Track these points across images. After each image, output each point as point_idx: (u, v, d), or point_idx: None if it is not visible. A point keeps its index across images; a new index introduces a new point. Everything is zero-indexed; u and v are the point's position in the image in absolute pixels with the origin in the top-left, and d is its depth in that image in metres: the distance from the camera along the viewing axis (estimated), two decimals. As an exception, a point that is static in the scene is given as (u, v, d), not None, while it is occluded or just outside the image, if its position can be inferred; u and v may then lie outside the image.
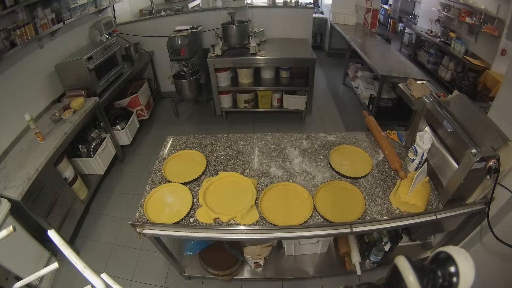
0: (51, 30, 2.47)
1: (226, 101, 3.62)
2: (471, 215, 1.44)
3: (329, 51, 5.71)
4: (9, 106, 2.15)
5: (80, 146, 2.56)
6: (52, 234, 0.73)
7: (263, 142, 1.81)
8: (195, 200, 1.42)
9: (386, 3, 7.61)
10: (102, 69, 2.74)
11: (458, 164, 1.27)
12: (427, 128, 1.53)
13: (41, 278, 1.91)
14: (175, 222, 1.32)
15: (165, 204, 1.42)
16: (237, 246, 1.83)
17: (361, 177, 1.52)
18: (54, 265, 0.81)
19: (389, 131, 1.85)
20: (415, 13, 6.01)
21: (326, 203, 1.38)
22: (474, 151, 1.10)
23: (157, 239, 1.48)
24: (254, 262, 1.82)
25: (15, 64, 2.22)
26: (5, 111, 2.11)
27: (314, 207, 1.35)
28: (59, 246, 0.71)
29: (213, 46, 3.27)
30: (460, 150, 1.21)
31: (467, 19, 4.15)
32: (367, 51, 3.51)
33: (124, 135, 3.05)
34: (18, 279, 1.71)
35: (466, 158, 1.14)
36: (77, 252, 2.22)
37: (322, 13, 5.96)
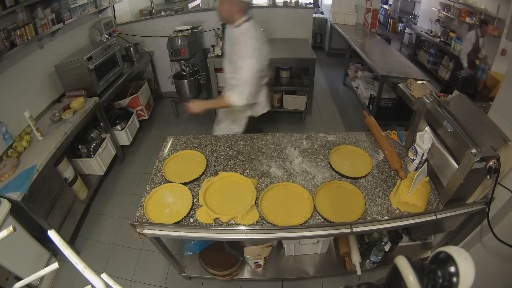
0: (51, 30, 2.47)
1: (226, 101, 3.61)
2: (471, 215, 1.44)
3: (329, 51, 5.71)
4: (9, 106, 2.15)
5: (80, 146, 2.56)
6: (52, 234, 0.73)
7: (263, 142, 1.81)
8: (195, 200, 1.42)
9: (386, 3, 7.61)
10: (102, 69, 2.74)
11: (458, 164, 1.27)
12: (427, 128, 1.53)
13: (41, 278, 1.91)
14: (175, 222, 1.32)
15: (165, 204, 1.42)
16: (237, 246, 1.83)
17: (361, 177, 1.52)
18: (54, 265, 0.81)
19: (389, 131, 1.85)
20: (415, 13, 6.00)
21: (326, 203, 1.38)
22: (474, 151, 1.11)
23: (157, 239, 1.48)
24: (254, 262, 1.82)
25: (15, 64, 2.22)
26: (5, 111, 2.10)
27: (314, 207, 1.35)
28: (59, 246, 0.71)
29: (213, 46, 3.27)
30: (460, 150, 1.21)
31: (467, 19, 4.14)
32: (367, 51, 3.52)
33: (124, 135, 3.05)
34: (18, 279, 1.71)
35: (466, 158, 1.14)
36: (77, 252, 2.22)
37: (322, 13, 5.96)
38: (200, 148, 1.79)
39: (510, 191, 1.25)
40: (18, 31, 2.09)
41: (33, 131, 2.13)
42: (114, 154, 2.90)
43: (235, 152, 1.74)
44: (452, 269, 0.52)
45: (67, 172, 2.28)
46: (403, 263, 0.53)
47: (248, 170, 1.60)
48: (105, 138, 2.75)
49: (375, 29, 4.55)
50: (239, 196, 1.42)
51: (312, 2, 4.71)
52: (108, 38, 3.18)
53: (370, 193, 1.43)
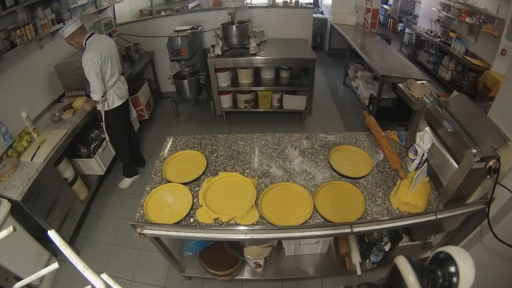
0: (51, 31, 2.47)
1: (226, 101, 3.62)
2: (471, 215, 1.44)
3: (329, 51, 5.71)
4: (9, 107, 2.15)
5: (80, 147, 2.56)
6: (52, 234, 0.73)
7: (263, 142, 1.81)
8: (195, 200, 1.42)
9: (386, 3, 7.61)
10: (102, 69, 2.74)
11: (458, 164, 1.27)
12: (427, 128, 1.53)
13: (41, 278, 1.91)
14: (175, 222, 1.32)
15: (165, 204, 1.42)
16: (237, 246, 1.83)
17: (361, 177, 1.52)
18: (54, 265, 0.81)
19: (389, 131, 1.85)
20: (415, 13, 6.00)
21: (326, 203, 1.38)
22: (474, 151, 1.11)
23: (157, 239, 1.48)
24: (254, 262, 1.82)
25: (15, 64, 2.22)
26: (5, 112, 2.10)
27: (314, 207, 1.35)
28: (59, 246, 0.71)
29: (213, 46, 3.27)
30: (460, 150, 1.21)
31: (467, 19, 4.14)
32: (367, 51, 3.52)
33: (124, 135, 3.04)
34: (18, 279, 1.71)
35: (466, 158, 1.14)
36: (77, 252, 2.22)
37: (322, 13, 5.96)
38: (200, 148, 1.79)
39: (510, 191, 1.25)
40: (18, 31, 2.09)
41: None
42: (114, 154, 2.90)
43: (235, 152, 1.74)
44: (452, 269, 0.52)
45: (67, 172, 2.28)
46: (403, 263, 0.53)
47: (248, 170, 1.60)
48: (105, 138, 2.74)
49: (375, 29, 4.55)
50: (239, 196, 1.42)
51: (312, 2, 4.70)
52: (108, 38, 3.18)
53: (370, 193, 1.43)
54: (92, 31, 2.21)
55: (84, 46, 2.13)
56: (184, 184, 1.51)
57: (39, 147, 2.05)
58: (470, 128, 1.23)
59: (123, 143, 2.61)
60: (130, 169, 2.76)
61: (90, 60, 2.05)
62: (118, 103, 2.37)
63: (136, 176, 2.82)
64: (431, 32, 4.99)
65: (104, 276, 0.67)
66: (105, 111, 2.35)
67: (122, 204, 2.61)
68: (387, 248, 1.70)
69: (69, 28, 2.05)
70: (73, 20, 2.08)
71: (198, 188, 1.49)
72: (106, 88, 2.25)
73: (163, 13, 3.86)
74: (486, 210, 1.30)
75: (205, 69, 3.39)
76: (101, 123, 2.46)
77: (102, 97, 2.21)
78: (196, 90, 3.42)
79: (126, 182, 2.77)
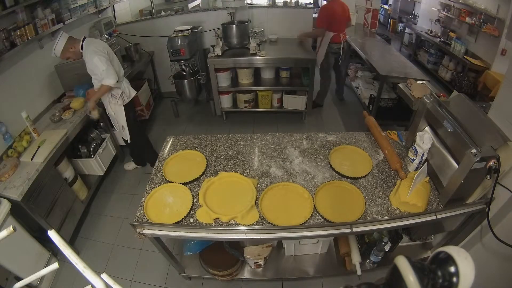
0: (51, 31, 2.47)
1: (226, 101, 3.62)
2: (471, 215, 1.44)
3: (329, 51, 5.70)
4: (9, 107, 2.15)
5: (80, 147, 2.56)
6: (52, 234, 0.73)
7: (263, 142, 1.81)
8: (195, 200, 1.42)
9: (386, 3, 7.61)
10: (102, 69, 2.74)
11: (458, 164, 1.27)
12: (427, 128, 1.53)
13: (41, 278, 1.91)
14: (175, 222, 1.32)
15: (165, 204, 1.42)
16: (237, 246, 1.83)
17: (361, 177, 1.52)
18: (54, 265, 0.81)
19: (389, 131, 1.85)
20: (415, 13, 6.00)
21: (326, 203, 1.38)
22: (474, 151, 1.11)
23: (157, 239, 1.48)
24: (254, 262, 1.82)
25: (15, 64, 2.22)
26: (5, 111, 2.11)
27: (314, 207, 1.35)
28: (59, 246, 0.71)
29: (213, 46, 3.27)
30: (460, 150, 1.21)
31: (467, 19, 4.15)
32: (367, 51, 3.52)
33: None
34: (18, 279, 1.71)
35: (466, 158, 1.14)
36: (77, 252, 2.22)
37: (322, 13, 5.95)
38: (200, 148, 1.79)
39: (510, 191, 1.25)
40: (18, 31, 2.09)
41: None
42: (114, 154, 2.90)
43: (235, 152, 1.74)
44: (452, 269, 0.52)
45: (67, 172, 2.28)
46: (403, 263, 0.53)
47: (248, 170, 1.60)
48: (105, 138, 2.75)
49: (375, 29, 4.55)
50: (239, 196, 1.42)
51: (312, 2, 4.70)
52: (108, 38, 3.18)
53: (370, 193, 1.43)
54: (84, 36, 2.20)
55: (81, 50, 2.12)
56: (184, 184, 1.51)
57: (39, 147, 2.05)
58: (470, 128, 1.23)
59: (142, 134, 2.70)
60: (141, 158, 2.87)
61: (96, 50, 2.06)
62: (133, 93, 2.44)
63: (142, 167, 2.94)
64: (431, 32, 4.99)
65: (104, 276, 0.67)
66: (124, 106, 2.34)
67: (122, 204, 2.61)
68: (387, 248, 1.70)
69: (59, 44, 2.03)
70: (58, 36, 2.06)
71: (198, 188, 1.49)
72: (119, 79, 2.25)
73: (163, 13, 3.87)
74: (486, 210, 1.30)
75: (205, 69, 3.39)
76: (115, 123, 2.50)
77: (117, 82, 2.18)
78: (196, 90, 3.42)
79: (131, 165, 2.93)
